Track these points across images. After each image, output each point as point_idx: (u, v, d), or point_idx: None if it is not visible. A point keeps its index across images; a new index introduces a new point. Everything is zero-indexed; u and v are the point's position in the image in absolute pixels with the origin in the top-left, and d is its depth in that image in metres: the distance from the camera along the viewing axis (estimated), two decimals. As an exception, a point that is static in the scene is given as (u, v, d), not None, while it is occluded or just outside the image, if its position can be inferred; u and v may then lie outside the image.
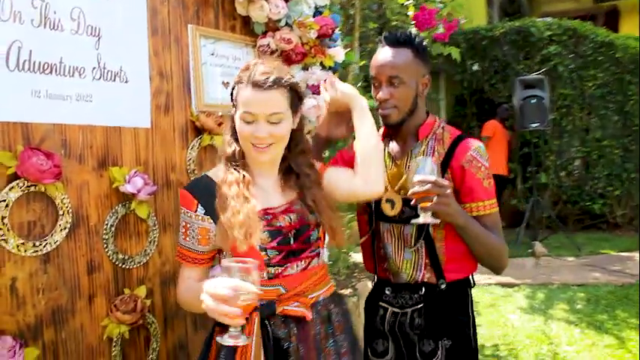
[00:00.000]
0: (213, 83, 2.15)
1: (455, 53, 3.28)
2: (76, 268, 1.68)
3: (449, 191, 1.57)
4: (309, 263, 1.51)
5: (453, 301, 1.76)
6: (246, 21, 2.25)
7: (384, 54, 1.73)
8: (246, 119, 1.44)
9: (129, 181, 1.78)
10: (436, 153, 1.74)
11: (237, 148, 1.51)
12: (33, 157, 1.52)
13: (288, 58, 2.29)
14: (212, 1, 2.15)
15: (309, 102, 2.32)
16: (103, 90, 1.75)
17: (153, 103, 1.91)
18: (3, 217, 1.50)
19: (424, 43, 1.78)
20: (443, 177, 1.63)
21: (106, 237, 1.75)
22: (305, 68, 2.37)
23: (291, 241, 1.48)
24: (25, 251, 1.54)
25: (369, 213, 1.82)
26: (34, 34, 1.58)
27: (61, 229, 1.62)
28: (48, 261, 1.60)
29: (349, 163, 1.68)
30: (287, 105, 1.46)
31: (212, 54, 2.15)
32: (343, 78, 2.69)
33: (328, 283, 1.60)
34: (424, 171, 1.54)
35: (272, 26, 2.26)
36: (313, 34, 2.29)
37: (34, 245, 1.56)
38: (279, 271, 1.46)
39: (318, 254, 1.54)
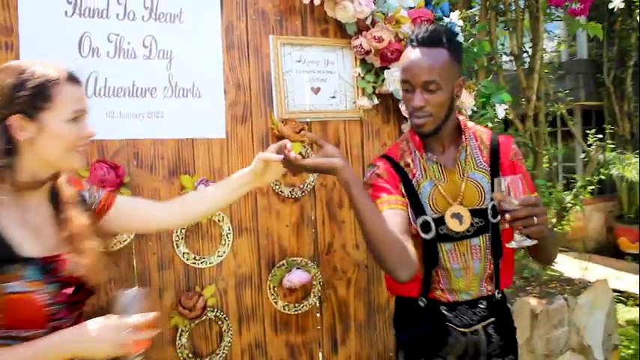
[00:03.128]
0: (300, 90, 2.18)
1: (596, 31, 2.56)
2: (147, 263, 1.93)
3: (545, 208, 1.40)
4: (80, 315, 1.35)
5: (508, 312, 1.71)
6: (340, 23, 2.21)
7: (416, 55, 1.53)
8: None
9: (196, 188, 1.95)
10: (484, 153, 1.62)
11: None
12: (98, 168, 1.80)
13: (383, 57, 2.17)
14: (298, 9, 2.17)
15: None
16: (174, 106, 1.95)
17: (228, 114, 2.05)
18: (79, 219, 1.82)
19: (459, 39, 1.52)
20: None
21: (177, 238, 1.96)
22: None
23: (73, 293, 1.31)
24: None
25: (424, 240, 1.59)
26: (109, 64, 1.87)
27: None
28: (119, 256, 1.89)
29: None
30: None
31: (299, 61, 2.18)
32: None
33: None
34: (519, 190, 1.34)
35: (364, 25, 2.17)
36: (408, 28, 2.13)
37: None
38: (59, 325, 1.26)
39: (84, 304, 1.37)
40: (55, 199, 1.32)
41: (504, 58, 4.76)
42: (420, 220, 1.56)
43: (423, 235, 1.56)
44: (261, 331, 2.11)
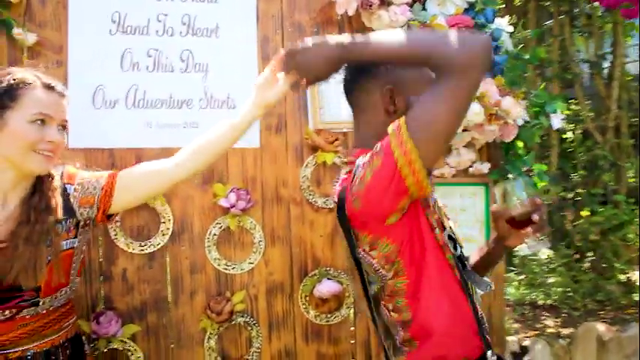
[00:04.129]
0: (336, 100, 2.18)
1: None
2: (179, 267, 2.02)
3: None
4: (16, 313, 1.32)
5: None
6: (378, 33, 2.19)
7: None
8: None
9: (227, 196, 2.02)
10: None
11: None
12: (134, 175, 1.91)
13: (422, 67, 2.12)
14: (336, 20, 2.18)
15: None
16: (209, 117, 2.04)
17: (262, 125, 2.10)
18: (117, 221, 1.94)
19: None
20: None
21: (209, 244, 2.03)
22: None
23: None
24: (133, 249, 1.96)
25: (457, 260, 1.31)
26: (148, 78, 1.99)
27: (162, 234, 1.98)
28: (153, 258, 1.99)
29: None
30: None
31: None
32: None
33: (55, 333, 1.41)
34: None
35: (401, 35, 2.13)
36: (446, 37, 2.06)
37: (140, 245, 1.96)
38: None
39: (35, 303, 1.34)
40: (32, 196, 1.35)
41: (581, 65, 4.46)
42: (445, 234, 1.29)
43: (452, 250, 1.28)
44: (292, 339, 2.12)
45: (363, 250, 1.19)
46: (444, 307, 1.21)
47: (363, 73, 1.24)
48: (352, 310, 2.18)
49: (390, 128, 1.10)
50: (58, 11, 1.92)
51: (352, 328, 2.19)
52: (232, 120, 1.45)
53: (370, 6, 2.06)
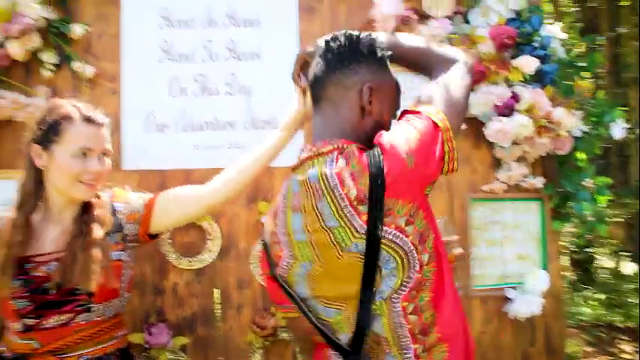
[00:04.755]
0: (379, 117, 2.18)
1: None
2: (227, 282, 2.09)
3: None
4: (72, 318, 1.41)
5: None
6: (422, 47, 2.16)
7: None
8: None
9: (271, 214, 2.07)
10: None
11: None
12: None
13: (465, 79, 2.07)
14: (378, 37, 2.18)
15: (492, 125, 2.05)
16: (253, 137, 2.10)
17: (307, 142, 2.13)
18: (168, 238, 2.06)
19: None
20: None
21: (254, 261, 2.10)
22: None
23: (48, 292, 1.39)
24: (183, 265, 2.06)
25: None
26: (195, 102, 2.10)
27: (209, 251, 2.07)
28: (201, 274, 2.08)
29: None
30: None
31: (378, 88, 2.18)
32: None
33: (107, 341, 1.48)
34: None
35: (443, 48, 2.10)
36: (489, 48, 2.01)
37: (188, 261, 2.07)
38: (34, 323, 1.39)
39: (88, 309, 1.43)
40: (83, 214, 1.48)
41: None
42: None
43: None
44: (336, 356, 2.13)
45: (397, 228, 1.10)
46: (459, 302, 1.20)
47: (342, 69, 1.21)
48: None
49: (419, 104, 1.19)
50: (112, 44, 2.08)
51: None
52: (263, 144, 1.52)
53: (409, 21, 2.05)
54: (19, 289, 1.38)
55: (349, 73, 1.20)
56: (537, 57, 2.06)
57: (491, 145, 2.17)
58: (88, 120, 1.45)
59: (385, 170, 1.09)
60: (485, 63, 2.04)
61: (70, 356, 1.42)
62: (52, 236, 1.45)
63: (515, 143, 2.11)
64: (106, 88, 2.06)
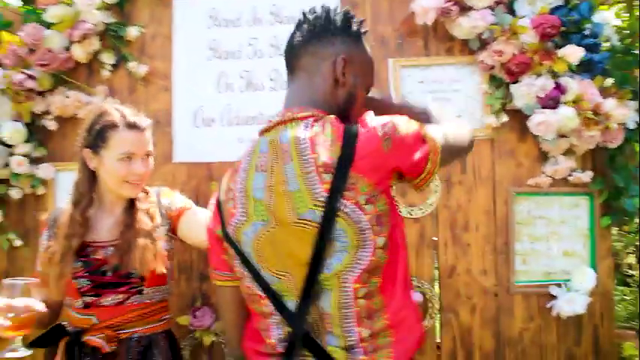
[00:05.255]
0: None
1: None
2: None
3: None
4: (127, 298, 1.57)
5: None
6: (465, 39, 2.13)
7: None
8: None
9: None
10: None
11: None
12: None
13: (509, 72, 2.03)
14: (420, 29, 2.17)
15: (535, 117, 2.00)
16: (295, 131, 2.17)
17: (346, 137, 2.17)
18: (215, 228, 2.18)
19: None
20: None
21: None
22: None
23: (106, 274, 1.56)
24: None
25: None
26: (240, 97, 2.20)
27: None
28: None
29: None
30: None
31: (421, 82, 2.18)
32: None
33: (155, 322, 1.63)
34: None
35: (486, 39, 2.06)
36: (533, 38, 1.96)
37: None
38: (92, 300, 1.56)
39: (140, 292, 1.58)
40: (132, 207, 1.63)
41: None
42: None
43: None
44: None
45: (356, 204, 1.10)
46: (408, 293, 1.22)
47: (317, 40, 1.26)
48: (438, 322, 2.16)
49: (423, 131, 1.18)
50: (165, 44, 2.21)
51: (438, 340, 2.16)
52: None
53: (449, 13, 2.03)
54: (80, 269, 1.56)
55: (324, 45, 1.25)
56: (586, 46, 1.97)
57: (537, 138, 2.11)
58: (132, 126, 1.58)
59: (358, 144, 1.11)
60: (528, 54, 1.98)
61: (124, 332, 1.57)
62: (107, 226, 1.62)
63: (562, 136, 2.03)
64: (159, 85, 2.20)
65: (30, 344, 1.51)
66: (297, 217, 1.13)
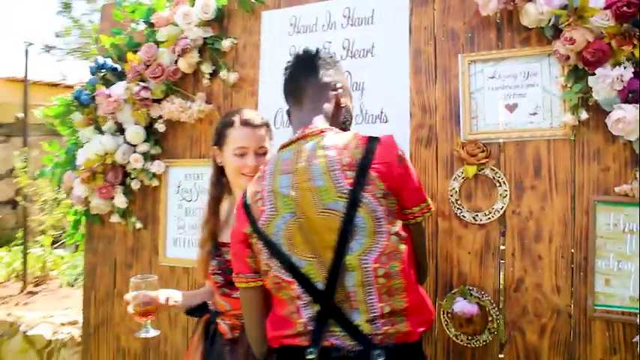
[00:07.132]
0: (492, 109, 2.02)
1: None
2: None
3: None
4: None
5: None
6: (542, 29, 1.91)
7: None
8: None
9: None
10: None
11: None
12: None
13: (585, 61, 1.78)
14: (493, 21, 2.01)
15: (613, 114, 1.73)
16: (363, 132, 2.16)
17: (413, 138, 2.13)
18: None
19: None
20: None
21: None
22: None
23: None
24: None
25: None
26: (314, 99, 2.30)
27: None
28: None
29: None
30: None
31: (492, 77, 2.02)
32: None
33: None
34: None
35: (558, 27, 1.82)
36: (607, 21, 1.69)
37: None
38: (227, 292, 1.75)
39: None
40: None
41: None
42: None
43: None
44: (433, 352, 2.08)
45: (374, 197, 1.34)
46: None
47: (319, 73, 1.57)
48: (500, 337, 1.98)
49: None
50: (254, 53, 2.44)
51: (501, 356, 1.99)
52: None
53: (513, 1, 1.84)
54: (216, 267, 1.79)
55: (325, 77, 1.58)
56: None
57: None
58: (245, 123, 1.80)
59: (377, 151, 1.39)
60: (605, 39, 1.70)
61: (244, 321, 1.69)
62: None
63: (657, 136, 1.70)
64: (247, 90, 2.44)
65: (186, 312, 1.87)
66: (322, 207, 1.36)
